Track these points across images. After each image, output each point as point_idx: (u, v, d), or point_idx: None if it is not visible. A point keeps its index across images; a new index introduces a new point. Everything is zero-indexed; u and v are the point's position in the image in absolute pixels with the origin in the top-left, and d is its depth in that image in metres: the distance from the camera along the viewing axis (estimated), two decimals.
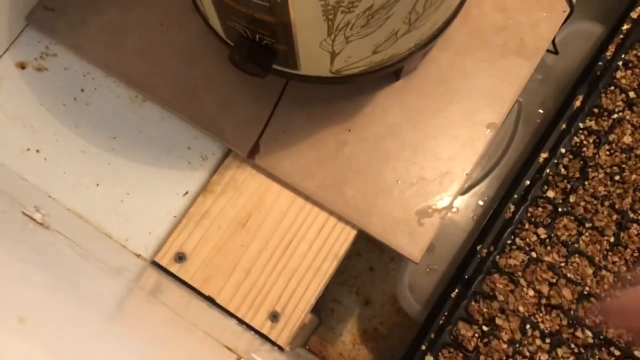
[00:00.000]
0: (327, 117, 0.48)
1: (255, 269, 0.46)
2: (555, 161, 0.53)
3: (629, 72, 0.54)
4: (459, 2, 0.41)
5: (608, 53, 0.55)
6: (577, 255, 0.51)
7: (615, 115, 0.53)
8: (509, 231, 0.51)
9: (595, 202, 0.52)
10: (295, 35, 0.34)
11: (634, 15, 0.56)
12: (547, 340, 0.49)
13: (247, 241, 0.46)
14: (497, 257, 0.51)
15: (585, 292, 0.50)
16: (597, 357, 0.48)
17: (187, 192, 0.48)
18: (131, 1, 0.50)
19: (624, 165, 0.52)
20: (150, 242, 0.46)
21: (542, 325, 0.49)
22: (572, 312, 0.49)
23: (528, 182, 0.53)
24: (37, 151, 0.48)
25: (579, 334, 0.49)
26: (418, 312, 0.56)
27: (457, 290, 0.51)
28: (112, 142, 0.48)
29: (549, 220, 0.52)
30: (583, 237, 0.51)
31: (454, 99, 0.48)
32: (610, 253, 0.51)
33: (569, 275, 0.50)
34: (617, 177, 0.52)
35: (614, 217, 0.51)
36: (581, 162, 0.53)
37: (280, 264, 0.46)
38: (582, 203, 0.52)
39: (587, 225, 0.51)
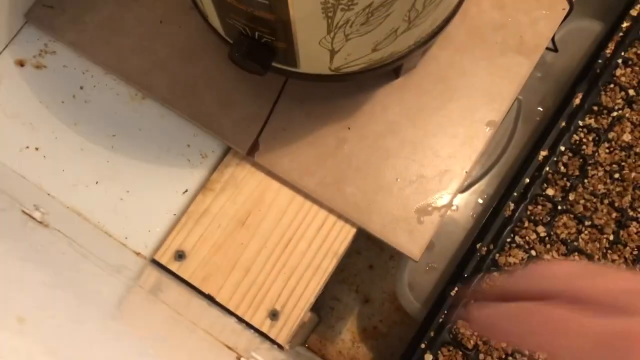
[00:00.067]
0: (326, 115, 0.48)
1: (254, 267, 0.45)
2: (555, 159, 0.53)
3: (628, 69, 0.54)
4: (458, 0, 0.41)
5: (608, 51, 0.55)
6: (576, 253, 0.51)
7: (615, 113, 0.53)
8: (509, 229, 0.51)
9: (594, 200, 0.52)
10: (294, 32, 0.34)
11: (633, 12, 0.56)
12: None
13: (246, 239, 0.46)
14: (497, 255, 0.51)
15: None
16: None
17: (186, 190, 0.48)
18: None
19: (623, 163, 0.52)
20: (150, 240, 0.46)
21: None
22: None
23: (527, 180, 0.53)
24: (36, 149, 0.48)
25: None
26: (417, 310, 0.56)
27: (456, 289, 0.51)
28: (111, 140, 0.48)
29: (549, 219, 0.52)
30: (582, 235, 0.51)
31: (454, 97, 0.48)
32: (609, 251, 0.51)
33: None
34: (616, 175, 0.52)
35: (614, 215, 0.51)
36: (581, 160, 0.53)
37: (279, 262, 0.46)
38: (582, 201, 0.52)
39: (587, 223, 0.51)
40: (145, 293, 0.37)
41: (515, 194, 0.53)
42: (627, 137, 0.53)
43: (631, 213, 0.51)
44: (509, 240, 0.51)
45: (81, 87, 0.49)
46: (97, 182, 0.47)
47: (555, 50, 0.57)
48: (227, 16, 0.36)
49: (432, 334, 0.50)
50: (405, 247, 0.46)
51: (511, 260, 0.51)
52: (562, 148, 0.53)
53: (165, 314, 0.35)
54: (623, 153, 0.52)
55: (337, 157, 0.47)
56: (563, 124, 0.54)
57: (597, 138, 0.53)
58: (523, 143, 0.58)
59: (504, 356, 0.49)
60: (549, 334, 0.23)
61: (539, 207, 0.52)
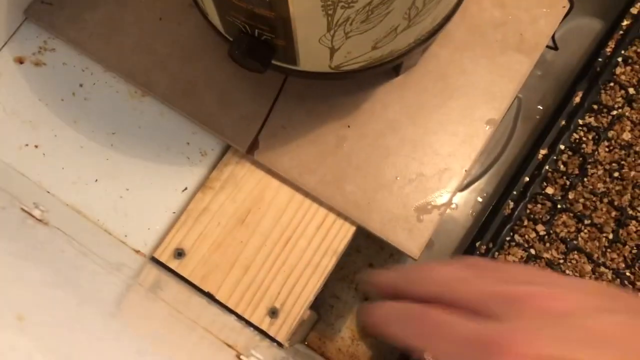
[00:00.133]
0: (326, 113, 0.48)
1: (254, 265, 0.45)
2: (555, 157, 0.53)
3: (628, 68, 0.54)
4: None
5: (608, 49, 0.55)
6: (575, 252, 0.51)
7: (615, 112, 0.53)
8: (508, 228, 0.51)
9: (594, 198, 0.52)
10: (294, 30, 0.34)
11: (634, 11, 0.56)
12: None
13: (246, 237, 0.46)
14: (496, 253, 0.51)
15: None
16: None
17: (186, 188, 0.48)
18: None
19: (623, 162, 0.52)
20: (150, 238, 0.46)
21: None
22: None
23: (527, 179, 0.53)
24: (36, 146, 0.48)
25: None
26: None
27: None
28: (111, 138, 0.48)
29: (548, 217, 0.52)
30: (582, 233, 0.51)
31: (454, 95, 0.48)
32: (609, 250, 0.51)
33: (567, 272, 0.50)
34: (616, 174, 0.52)
35: (613, 213, 0.51)
36: (580, 159, 0.53)
37: (279, 260, 0.46)
38: (581, 200, 0.52)
39: (586, 222, 0.51)
40: (145, 291, 0.37)
41: (514, 192, 0.52)
42: (626, 135, 0.53)
43: (631, 212, 0.51)
44: (508, 238, 0.51)
45: (81, 85, 0.49)
46: (96, 180, 0.47)
47: (556, 48, 0.57)
48: (226, 14, 0.36)
49: None
50: (405, 246, 0.46)
51: (510, 259, 0.51)
52: (562, 147, 0.53)
53: (165, 311, 0.35)
54: (623, 152, 0.52)
55: (336, 155, 0.47)
56: (563, 122, 0.54)
57: (596, 137, 0.53)
58: (523, 141, 0.58)
59: None
60: (428, 336, 0.24)
61: (539, 205, 0.52)
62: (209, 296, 0.44)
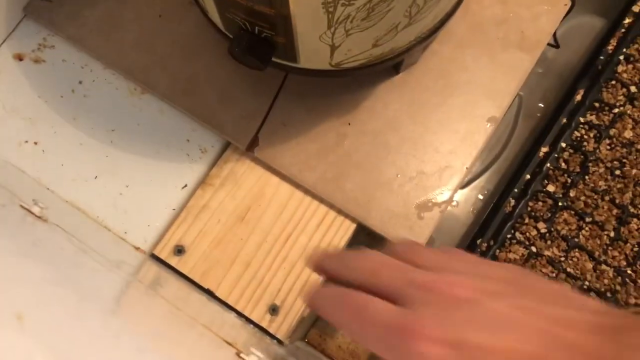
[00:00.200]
0: (326, 111, 0.48)
1: (254, 262, 0.45)
2: (556, 155, 0.53)
3: (630, 66, 0.54)
4: None
5: (609, 47, 0.55)
6: (577, 249, 0.51)
7: (616, 110, 0.53)
8: (509, 225, 0.51)
9: (595, 196, 0.51)
10: (295, 28, 0.34)
11: (635, 9, 0.55)
12: None
13: (246, 234, 0.46)
14: (497, 251, 0.51)
15: (585, 287, 0.50)
16: None
17: (186, 185, 0.47)
18: None
19: (624, 160, 0.52)
20: (150, 235, 0.46)
21: None
22: None
23: (528, 176, 0.53)
24: (35, 143, 0.48)
25: None
26: None
27: None
28: (110, 135, 0.48)
29: (549, 215, 0.51)
30: (583, 231, 0.51)
31: (454, 93, 0.48)
32: (610, 248, 0.50)
33: (568, 269, 0.50)
34: (617, 172, 0.52)
35: (614, 211, 0.51)
36: (582, 157, 0.53)
37: (279, 257, 0.46)
38: (583, 197, 0.52)
39: (587, 219, 0.51)
40: (145, 288, 0.37)
41: (515, 190, 0.52)
42: (628, 133, 0.52)
43: (632, 210, 0.51)
44: (509, 236, 0.51)
45: (80, 82, 0.49)
46: (96, 177, 0.47)
47: (557, 46, 0.56)
48: (226, 11, 0.36)
49: None
50: None
51: (511, 256, 0.51)
52: (563, 144, 0.53)
53: (165, 309, 0.35)
54: (624, 150, 0.52)
55: (337, 152, 0.47)
56: (564, 120, 0.54)
57: (598, 135, 0.53)
58: (524, 139, 0.58)
59: None
60: (350, 320, 0.25)
61: (540, 203, 0.52)
62: (209, 293, 0.44)
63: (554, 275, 0.50)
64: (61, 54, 0.50)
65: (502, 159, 0.58)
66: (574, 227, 0.51)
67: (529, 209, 0.52)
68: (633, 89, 0.53)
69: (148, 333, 0.29)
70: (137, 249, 0.46)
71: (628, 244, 0.50)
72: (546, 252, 0.51)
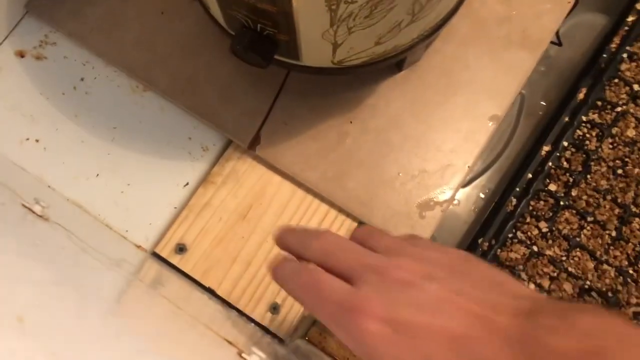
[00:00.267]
0: (328, 109, 0.48)
1: (255, 260, 0.45)
2: (558, 154, 0.53)
3: (633, 64, 0.54)
4: None
5: (612, 45, 0.55)
6: (578, 249, 0.51)
7: (619, 108, 0.53)
8: (511, 224, 0.51)
9: (597, 195, 0.51)
10: (297, 25, 0.34)
11: (639, 6, 0.55)
12: None
13: (247, 233, 0.46)
14: (499, 250, 0.51)
15: (586, 287, 0.50)
16: None
17: (187, 183, 0.47)
18: None
19: (626, 159, 0.52)
20: (151, 233, 0.46)
21: None
22: None
23: (530, 175, 0.53)
24: (37, 141, 0.48)
25: None
26: None
27: None
28: (112, 132, 0.48)
29: (551, 214, 0.51)
30: (585, 231, 0.51)
31: (457, 91, 0.48)
32: (611, 247, 0.50)
33: (570, 269, 0.50)
34: (619, 171, 0.52)
35: (616, 211, 0.51)
36: (584, 156, 0.52)
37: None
38: (584, 197, 0.51)
39: (589, 219, 0.51)
40: (146, 287, 0.37)
41: (517, 189, 0.52)
42: (631, 132, 0.52)
43: (634, 209, 0.51)
44: (510, 235, 0.51)
45: (82, 79, 0.49)
46: (97, 175, 0.47)
47: (560, 44, 0.56)
48: (229, 8, 0.36)
49: None
50: None
51: (513, 255, 0.51)
52: (565, 143, 0.53)
53: (166, 308, 0.35)
54: (627, 149, 0.52)
55: (338, 151, 0.47)
56: (566, 119, 0.54)
57: (600, 133, 0.53)
58: (526, 138, 0.58)
59: None
60: (307, 296, 0.28)
61: (541, 202, 0.52)
62: (210, 292, 0.44)
63: (555, 275, 0.50)
64: (63, 51, 0.49)
65: (503, 158, 0.58)
66: (575, 226, 0.51)
67: (531, 208, 0.52)
68: (636, 87, 0.53)
69: (149, 333, 0.29)
70: (139, 247, 0.46)
71: (630, 244, 0.50)
72: (547, 252, 0.51)
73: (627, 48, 0.54)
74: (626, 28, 0.55)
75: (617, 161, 0.52)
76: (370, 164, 0.47)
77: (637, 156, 0.52)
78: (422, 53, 0.48)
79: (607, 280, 0.50)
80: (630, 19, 0.55)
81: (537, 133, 0.56)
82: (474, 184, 0.57)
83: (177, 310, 0.35)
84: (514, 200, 0.52)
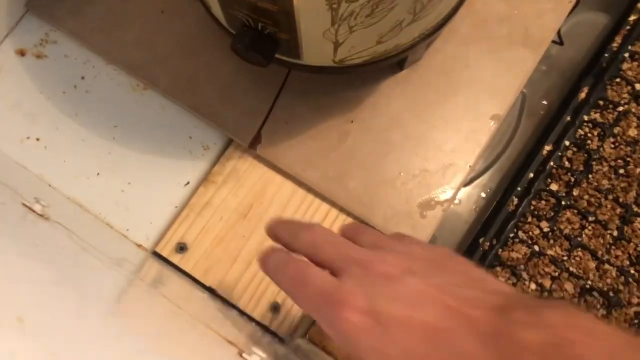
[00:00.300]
0: (329, 108, 0.47)
1: (256, 260, 0.45)
2: (559, 154, 0.52)
3: (635, 63, 0.54)
4: None
5: (614, 44, 0.55)
6: (579, 248, 0.50)
7: (621, 108, 0.53)
8: (512, 224, 0.51)
9: (599, 195, 0.51)
10: (298, 24, 0.34)
11: None
12: None
13: (248, 232, 0.46)
14: (500, 250, 0.51)
15: (588, 286, 0.50)
16: None
17: (188, 182, 0.47)
18: None
19: (628, 159, 0.52)
20: (152, 232, 0.46)
21: None
22: None
23: (531, 175, 0.52)
24: (37, 139, 0.48)
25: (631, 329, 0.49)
26: None
27: None
28: (112, 131, 0.48)
29: (552, 214, 0.51)
30: (586, 230, 0.51)
31: (458, 91, 0.48)
32: (613, 247, 0.50)
33: (571, 269, 0.50)
34: (621, 171, 0.51)
35: (618, 210, 0.51)
36: (585, 155, 0.52)
37: None
38: (586, 196, 0.51)
39: (591, 218, 0.51)
40: (146, 286, 0.36)
41: (518, 188, 0.52)
42: (632, 132, 0.52)
43: (636, 209, 0.51)
44: (512, 235, 0.51)
45: (82, 77, 0.49)
46: (98, 174, 0.47)
47: (561, 43, 0.56)
48: (230, 7, 0.35)
49: None
50: None
51: (514, 255, 0.50)
52: (567, 143, 0.53)
53: (166, 307, 0.34)
54: (628, 148, 0.52)
55: (339, 150, 0.47)
56: (568, 118, 0.53)
57: (602, 133, 0.53)
58: (527, 137, 0.58)
59: None
60: (293, 287, 0.29)
61: (543, 202, 0.52)
62: (211, 291, 0.44)
63: (556, 274, 0.50)
64: (63, 50, 0.49)
65: (505, 157, 0.58)
66: (577, 226, 0.51)
67: (532, 207, 0.52)
68: (638, 86, 0.53)
69: (149, 332, 0.29)
70: (139, 246, 0.46)
71: (631, 243, 0.50)
72: (549, 251, 0.50)
73: (629, 47, 0.54)
74: (628, 27, 0.55)
75: (619, 161, 0.52)
76: (371, 164, 0.47)
77: (639, 156, 0.51)
78: (423, 52, 0.48)
79: (609, 280, 0.50)
80: (632, 18, 0.55)
81: (539, 132, 0.56)
82: (475, 183, 0.57)
83: (177, 309, 0.35)
84: (515, 200, 0.52)
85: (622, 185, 0.51)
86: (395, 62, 0.45)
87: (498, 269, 0.50)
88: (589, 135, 0.53)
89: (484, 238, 0.51)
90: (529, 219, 0.51)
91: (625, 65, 0.54)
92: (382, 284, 0.27)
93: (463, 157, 0.47)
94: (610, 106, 0.53)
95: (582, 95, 0.54)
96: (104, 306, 0.28)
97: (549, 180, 0.52)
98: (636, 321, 0.49)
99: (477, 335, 0.24)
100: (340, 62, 0.39)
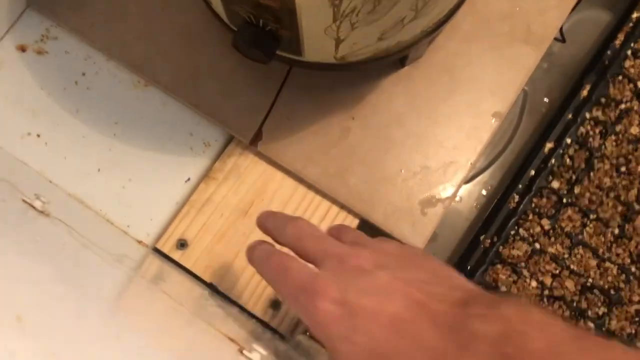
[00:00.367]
0: (330, 105, 0.47)
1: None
2: (561, 151, 0.52)
3: (638, 61, 0.54)
4: None
5: (617, 42, 0.54)
6: (580, 246, 0.50)
7: (623, 106, 0.53)
8: (513, 222, 0.51)
9: (600, 193, 0.51)
10: (300, 21, 0.34)
11: None
12: None
13: (249, 229, 0.46)
14: (500, 247, 0.51)
15: (589, 284, 0.50)
16: None
17: (189, 179, 0.47)
18: None
19: (630, 157, 0.51)
20: (152, 228, 0.46)
21: None
22: (574, 304, 0.49)
23: (533, 172, 0.52)
24: (38, 136, 0.47)
25: (581, 325, 0.49)
26: None
27: None
28: (113, 128, 0.48)
29: (553, 211, 0.51)
30: (587, 228, 0.51)
31: (460, 88, 0.48)
32: (614, 245, 0.50)
33: (572, 266, 0.50)
34: (623, 169, 0.51)
35: (619, 208, 0.51)
36: (587, 153, 0.52)
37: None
38: (587, 194, 0.51)
39: (592, 216, 0.51)
40: (147, 283, 0.36)
41: (520, 186, 0.52)
42: (634, 130, 0.52)
43: (637, 207, 0.51)
44: (512, 232, 0.51)
45: (83, 74, 0.49)
46: (99, 170, 0.47)
47: (563, 40, 0.56)
48: (231, 3, 0.35)
49: None
50: (408, 239, 0.45)
51: (515, 253, 0.50)
52: (569, 140, 0.52)
53: (167, 304, 0.35)
54: (630, 146, 0.52)
55: (341, 147, 0.47)
56: (570, 116, 0.53)
57: (604, 131, 0.53)
58: (528, 135, 0.58)
59: None
60: (275, 278, 0.31)
61: (544, 199, 0.52)
62: (212, 287, 0.44)
63: (557, 272, 0.50)
64: (64, 46, 0.49)
65: (506, 155, 0.58)
66: (578, 224, 0.51)
67: (533, 205, 0.52)
68: None
69: (149, 329, 0.29)
70: (140, 242, 0.46)
71: (633, 241, 0.50)
72: (550, 249, 0.50)
73: (632, 45, 0.54)
74: (631, 25, 0.55)
75: (621, 159, 0.52)
76: (372, 161, 0.46)
77: None
78: (425, 49, 0.47)
79: (610, 278, 0.50)
80: (634, 15, 0.55)
81: (540, 130, 0.56)
82: (476, 180, 0.57)
83: (178, 306, 0.35)
84: (517, 198, 0.52)
85: (624, 183, 0.51)
86: (397, 59, 0.45)
87: (499, 266, 0.50)
88: (591, 133, 0.53)
89: (485, 235, 0.51)
90: (530, 217, 0.51)
91: (627, 63, 0.54)
92: (355, 276, 0.29)
93: (464, 154, 0.47)
94: (613, 104, 0.53)
95: (584, 92, 0.54)
96: (104, 303, 0.28)
97: (551, 177, 0.52)
98: (637, 319, 0.49)
99: (437, 326, 0.26)
100: (342, 59, 0.39)
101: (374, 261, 0.30)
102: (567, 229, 0.51)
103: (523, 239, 0.51)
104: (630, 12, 0.55)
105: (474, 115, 0.47)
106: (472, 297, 0.27)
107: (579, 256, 0.50)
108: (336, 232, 0.35)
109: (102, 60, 0.49)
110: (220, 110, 0.47)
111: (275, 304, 0.44)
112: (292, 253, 0.32)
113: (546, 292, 0.49)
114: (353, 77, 0.48)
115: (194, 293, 0.42)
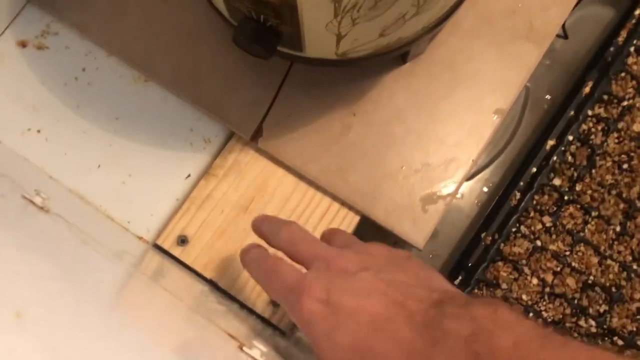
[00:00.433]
0: (331, 101, 0.47)
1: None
2: (563, 148, 0.52)
3: None
4: None
5: (619, 38, 0.54)
6: (582, 244, 0.50)
7: (625, 103, 0.52)
8: (514, 219, 0.51)
9: (602, 190, 0.51)
10: (300, 16, 0.33)
11: None
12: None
13: (249, 225, 0.46)
14: (502, 244, 0.51)
15: (590, 282, 0.49)
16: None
17: (189, 175, 0.47)
18: None
19: (632, 154, 0.51)
20: (153, 224, 0.46)
21: (545, 314, 0.49)
22: (575, 301, 0.49)
23: (534, 169, 0.52)
24: (38, 131, 0.47)
25: (582, 323, 0.49)
26: None
27: (460, 278, 0.51)
28: (114, 123, 0.48)
29: (555, 209, 0.51)
30: (589, 225, 0.50)
31: (461, 84, 0.48)
32: (616, 242, 0.50)
33: (573, 264, 0.50)
34: (625, 166, 0.51)
35: (621, 206, 0.51)
36: (589, 150, 0.52)
37: None
38: (589, 191, 0.51)
39: (593, 214, 0.51)
40: (147, 280, 0.36)
41: (521, 183, 0.52)
42: (637, 127, 0.52)
43: (639, 204, 0.50)
44: (514, 230, 0.51)
45: (83, 69, 0.49)
46: (99, 166, 0.47)
47: (566, 37, 0.56)
48: None
49: None
50: (409, 236, 0.45)
51: (516, 250, 0.50)
52: (570, 137, 0.52)
53: (167, 300, 0.34)
54: (632, 143, 0.52)
55: (341, 143, 0.47)
56: (572, 112, 0.53)
57: (606, 128, 0.52)
58: (530, 132, 0.57)
59: None
60: (265, 279, 0.33)
61: (546, 196, 0.52)
62: (212, 284, 0.44)
63: (558, 269, 0.50)
64: (65, 41, 0.49)
65: (508, 152, 0.58)
66: (579, 221, 0.51)
67: (535, 202, 0.51)
68: None
69: (149, 325, 0.29)
70: (140, 238, 0.46)
71: (634, 239, 0.50)
72: (551, 246, 0.50)
73: (634, 42, 0.53)
74: (633, 21, 0.54)
75: (623, 156, 0.51)
76: (373, 157, 0.46)
77: None
78: (426, 45, 0.47)
79: (611, 276, 0.50)
80: (637, 12, 0.54)
81: (542, 127, 0.56)
82: (477, 177, 0.57)
83: (178, 302, 0.35)
84: (518, 195, 0.52)
85: (626, 180, 0.51)
86: (398, 55, 0.45)
87: (500, 263, 0.50)
88: (593, 130, 0.53)
89: (486, 233, 0.51)
90: (532, 214, 0.51)
91: (630, 60, 0.53)
92: (340, 277, 0.30)
93: (466, 151, 0.46)
94: (615, 101, 0.53)
95: (587, 89, 0.53)
96: (105, 299, 0.28)
97: (552, 175, 0.52)
98: (638, 317, 0.49)
99: (413, 324, 0.28)
100: (343, 55, 0.39)
101: (359, 263, 0.31)
102: (569, 226, 0.51)
103: (524, 236, 0.51)
104: (633, 9, 0.55)
105: (476, 112, 0.47)
106: (449, 298, 0.29)
107: (580, 253, 0.50)
108: (328, 235, 0.37)
109: (103, 56, 0.49)
110: (221, 106, 0.47)
111: (275, 301, 0.44)
112: (285, 257, 0.34)
113: (547, 289, 0.49)
114: (354, 73, 0.47)
115: (194, 289, 0.42)
